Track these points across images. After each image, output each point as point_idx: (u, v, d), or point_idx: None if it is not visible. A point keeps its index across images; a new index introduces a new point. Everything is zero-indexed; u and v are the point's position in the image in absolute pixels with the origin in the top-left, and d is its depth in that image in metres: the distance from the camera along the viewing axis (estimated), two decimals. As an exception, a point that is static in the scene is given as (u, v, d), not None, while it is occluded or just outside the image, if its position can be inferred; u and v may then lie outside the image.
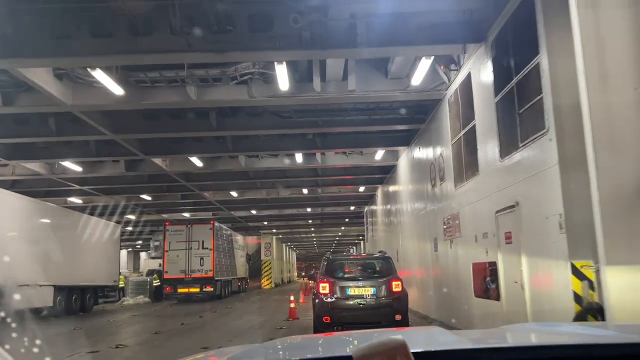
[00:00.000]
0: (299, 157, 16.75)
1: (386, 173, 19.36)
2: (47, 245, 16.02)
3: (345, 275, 10.44)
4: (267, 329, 12.21)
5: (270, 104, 11.83)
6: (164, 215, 29.28)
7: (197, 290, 23.88)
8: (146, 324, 15.69)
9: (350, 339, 2.17)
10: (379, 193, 23.16)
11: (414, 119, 13.16)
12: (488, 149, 8.59)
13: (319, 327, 9.72)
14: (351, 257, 12.42)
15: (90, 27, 8.78)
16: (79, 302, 18.59)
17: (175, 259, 24.12)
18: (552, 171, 6.31)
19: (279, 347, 2.09)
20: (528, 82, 7.04)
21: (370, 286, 9.81)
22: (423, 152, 13.56)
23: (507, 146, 7.77)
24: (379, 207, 23.76)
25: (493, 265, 8.32)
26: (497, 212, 8.15)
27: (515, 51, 7.54)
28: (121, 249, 50.54)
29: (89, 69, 9.59)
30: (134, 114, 12.61)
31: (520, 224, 7.36)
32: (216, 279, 24.36)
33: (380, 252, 12.51)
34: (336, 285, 9.72)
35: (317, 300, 9.97)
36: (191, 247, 24.29)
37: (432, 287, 12.75)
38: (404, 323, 9.68)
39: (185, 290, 23.94)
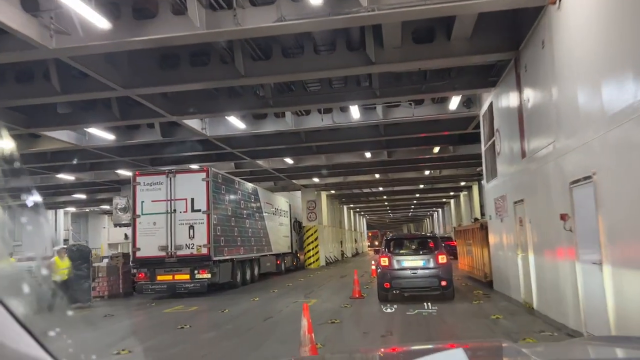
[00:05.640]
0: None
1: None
2: None
3: (401, 251, 12.94)
4: None
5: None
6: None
7: (186, 277, 15.76)
8: None
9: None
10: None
11: None
12: None
13: (381, 291, 12.28)
14: (405, 237, 15.50)
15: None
16: None
17: (151, 229, 15.89)
18: None
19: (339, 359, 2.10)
20: None
21: (421, 259, 12.11)
22: None
23: None
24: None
25: None
26: None
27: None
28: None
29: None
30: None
31: None
32: (215, 258, 16.03)
33: (431, 232, 16.18)
34: (393, 258, 12.14)
35: (379, 270, 12.48)
36: (175, 210, 15.91)
37: None
38: (449, 288, 11.99)
39: (168, 277, 15.80)
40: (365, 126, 16.78)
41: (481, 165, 25.35)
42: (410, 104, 14.73)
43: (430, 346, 2.34)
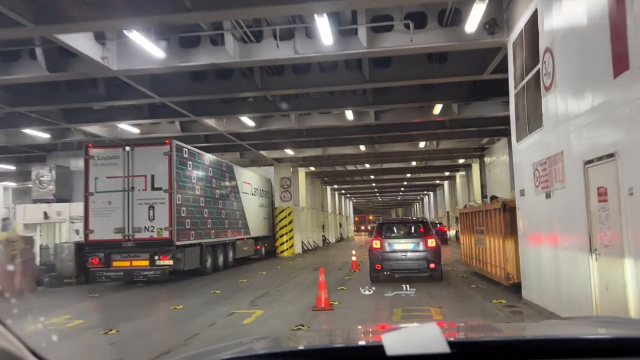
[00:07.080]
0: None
1: None
2: None
3: (392, 234, 13.40)
4: None
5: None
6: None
7: (145, 263, 14.06)
8: None
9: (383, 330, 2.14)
10: None
11: None
12: None
13: (373, 272, 12.87)
14: (396, 221, 16.09)
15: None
16: None
17: (105, 209, 14.25)
18: None
19: (315, 335, 2.23)
20: None
21: (411, 242, 12.74)
22: None
23: None
24: None
25: None
26: None
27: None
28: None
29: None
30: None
31: None
32: (179, 243, 14.40)
33: (421, 217, 13.60)
34: (385, 241, 12.71)
35: (371, 253, 12.96)
36: (132, 188, 14.25)
37: None
38: (437, 271, 12.62)
39: (125, 263, 14.18)
40: (343, 63, 11.98)
41: (488, 136, 21.55)
42: (408, 26, 9.96)
43: (409, 325, 2.12)
